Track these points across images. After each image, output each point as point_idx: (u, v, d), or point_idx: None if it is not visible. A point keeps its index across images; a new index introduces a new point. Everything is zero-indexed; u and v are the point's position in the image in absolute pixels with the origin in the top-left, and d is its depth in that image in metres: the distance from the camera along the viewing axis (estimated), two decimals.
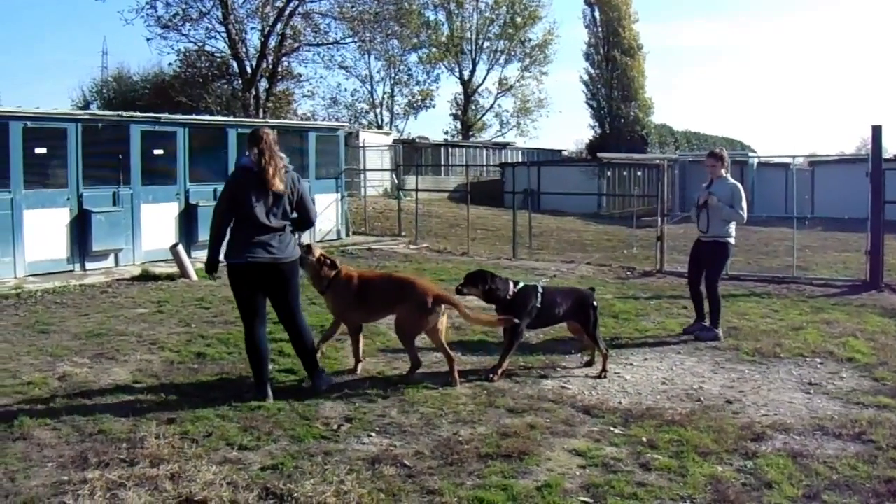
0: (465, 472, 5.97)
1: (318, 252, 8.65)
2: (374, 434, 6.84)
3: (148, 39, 41.65)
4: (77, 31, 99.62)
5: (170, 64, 44.62)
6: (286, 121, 31.82)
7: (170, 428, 6.91)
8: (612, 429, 7.00)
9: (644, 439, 6.70)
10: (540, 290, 8.88)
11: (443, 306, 8.42)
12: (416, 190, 25.59)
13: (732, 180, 10.96)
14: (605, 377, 8.63)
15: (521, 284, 8.96)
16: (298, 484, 5.68)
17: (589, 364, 9.10)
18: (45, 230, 15.20)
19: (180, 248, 15.76)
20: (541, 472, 6.02)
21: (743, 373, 8.92)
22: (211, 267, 7.86)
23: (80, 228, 15.75)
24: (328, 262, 8.58)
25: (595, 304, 9.03)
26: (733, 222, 10.75)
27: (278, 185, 7.62)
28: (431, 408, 7.53)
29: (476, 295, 9.02)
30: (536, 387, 8.28)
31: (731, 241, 10.89)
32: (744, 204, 10.69)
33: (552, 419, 7.21)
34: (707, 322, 10.71)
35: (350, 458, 6.28)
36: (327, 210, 21.68)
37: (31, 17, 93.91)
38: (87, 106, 47.26)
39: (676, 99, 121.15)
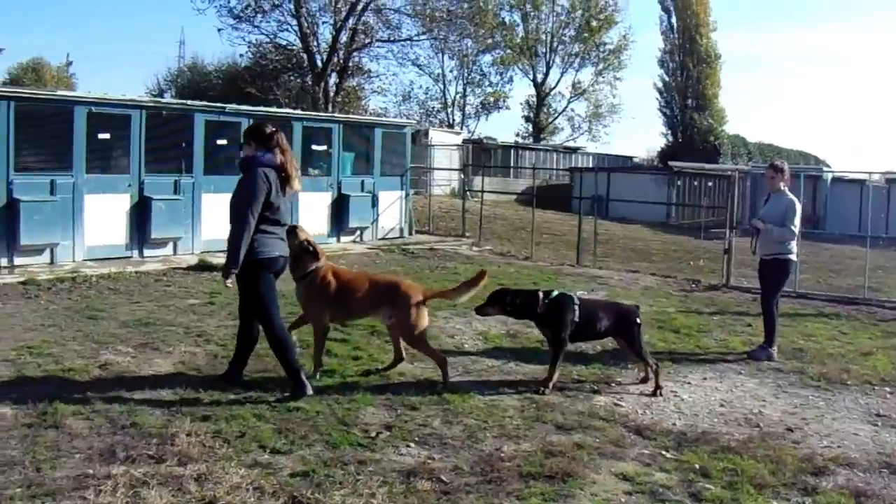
0: (504, 493, 5.64)
1: (302, 235, 8.16)
2: (412, 444, 6.55)
3: (219, 30, 41.72)
4: (158, 20, 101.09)
5: (241, 55, 44.96)
6: (352, 116, 31.67)
7: (203, 425, 6.70)
8: (663, 452, 6.61)
9: (697, 466, 6.31)
10: (576, 301, 8.44)
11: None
12: (483, 191, 25.28)
13: (790, 196, 10.42)
14: (660, 395, 8.22)
15: (554, 293, 8.54)
16: (327, 494, 5.43)
17: (644, 381, 8.67)
18: (105, 216, 15.15)
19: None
20: (584, 496, 5.67)
21: (806, 399, 8.46)
22: (233, 269, 7.46)
23: (140, 215, 15.68)
24: (311, 248, 8.10)
25: (639, 321, 8.55)
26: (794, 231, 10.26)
27: (298, 186, 7.85)
28: (476, 419, 7.21)
29: (502, 314, 8.73)
30: (588, 402, 7.91)
31: (792, 257, 10.42)
32: (796, 220, 10.23)
33: (601, 439, 6.85)
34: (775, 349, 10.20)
35: (385, 469, 5.99)
36: (390, 208, 21.49)
37: (114, 4, 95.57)
38: (160, 94, 47.81)
39: (751, 109, 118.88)
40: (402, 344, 8.55)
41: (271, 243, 7.59)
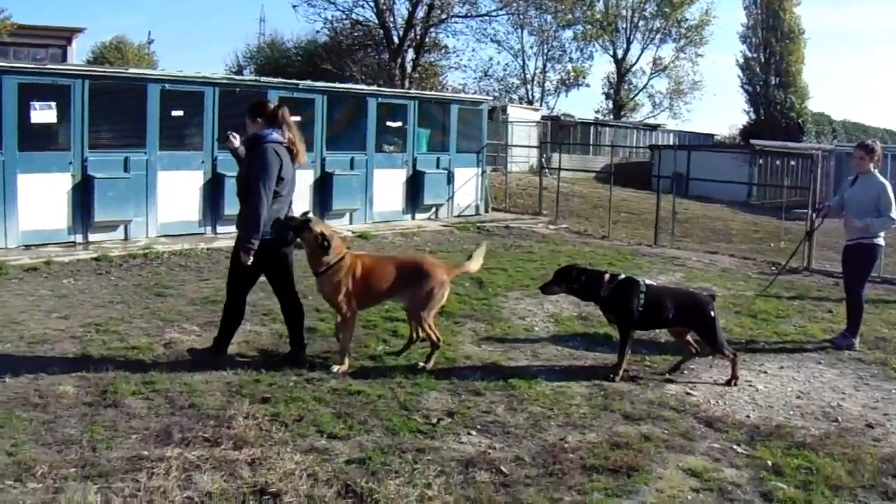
0: (565, 486, 5.41)
1: (317, 229, 7.83)
2: (474, 432, 6.35)
3: (294, 6, 41.89)
4: None
5: (317, 31, 45.00)
6: (427, 92, 31.46)
7: (262, 408, 6.60)
8: (734, 447, 6.31)
9: (769, 463, 6.00)
10: (642, 287, 8.03)
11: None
12: (560, 168, 24.91)
13: (881, 178, 9.78)
14: (735, 385, 7.87)
15: (621, 276, 8.22)
16: (382, 483, 5.27)
17: (675, 369, 8.26)
18: (178, 192, 15.20)
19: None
20: (649, 492, 5.42)
21: (889, 392, 8.00)
22: (253, 246, 7.46)
23: (214, 191, 15.71)
24: (326, 243, 7.71)
25: (713, 313, 8.03)
26: (883, 228, 9.70)
27: (304, 160, 8.00)
28: (542, 407, 6.99)
29: (567, 292, 8.46)
30: (659, 391, 7.62)
31: (879, 241, 9.79)
32: (893, 206, 9.54)
33: (670, 430, 6.57)
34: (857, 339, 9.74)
35: (443, 457, 5.81)
36: (466, 185, 21.26)
37: None
38: (239, 71, 48.15)
39: (836, 86, 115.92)
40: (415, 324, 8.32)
41: (279, 221, 7.70)
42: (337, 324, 8.23)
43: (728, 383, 7.90)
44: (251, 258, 7.45)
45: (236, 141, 7.84)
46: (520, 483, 5.43)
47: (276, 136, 7.53)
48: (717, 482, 5.62)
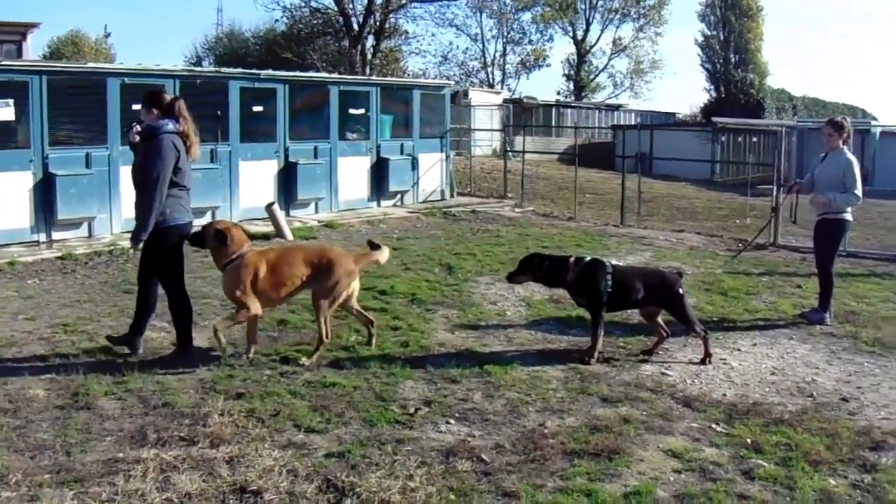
0: (548, 472, 5.39)
1: (218, 225, 7.79)
2: (452, 421, 6.32)
3: None
4: None
5: (276, 20, 44.71)
6: (389, 78, 31.31)
7: (237, 403, 6.53)
8: (713, 426, 6.33)
9: (748, 440, 6.02)
10: (609, 268, 8.02)
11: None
12: (524, 151, 24.88)
13: (849, 155, 9.80)
14: (709, 363, 7.89)
15: (586, 259, 8.20)
16: (363, 477, 5.21)
17: (648, 353, 8.24)
18: None
19: (276, 207, 15.46)
20: (631, 475, 5.41)
21: (861, 365, 8.07)
22: (144, 235, 7.54)
23: None
24: (225, 237, 7.61)
25: (681, 290, 8.05)
26: (849, 204, 9.75)
27: (198, 153, 7.91)
28: (518, 392, 6.97)
29: (533, 280, 8.45)
30: (635, 372, 7.63)
31: (846, 216, 9.83)
32: (858, 183, 9.61)
33: (648, 412, 6.57)
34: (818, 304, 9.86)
35: (423, 448, 5.77)
36: (431, 170, 21.18)
37: None
38: (198, 62, 47.74)
39: (795, 63, 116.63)
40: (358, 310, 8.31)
41: (181, 209, 7.71)
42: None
43: (702, 362, 7.93)
44: (140, 245, 7.58)
45: (138, 136, 7.76)
46: (502, 470, 5.40)
47: (172, 126, 7.54)
48: (699, 462, 5.63)
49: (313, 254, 8.02)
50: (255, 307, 7.63)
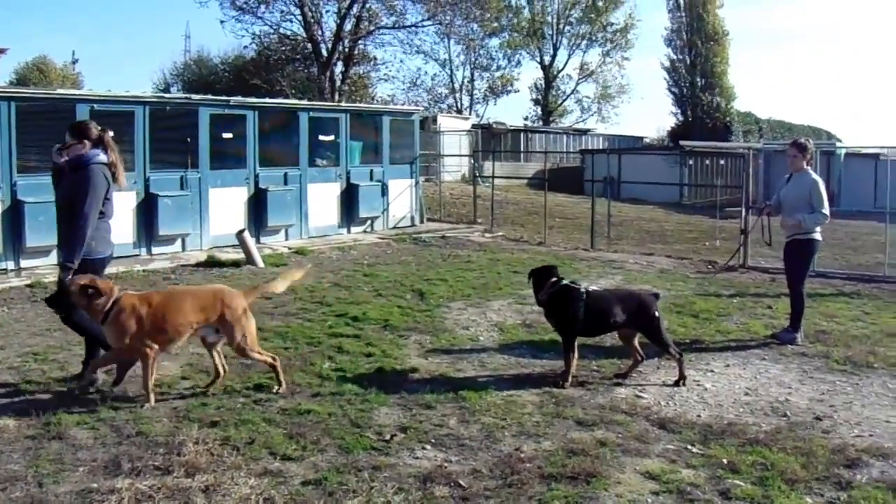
0: (525, 496, 5.38)
1: (81, 281, 7.24)
2: (428, 447, 6.30)
3: (222, 22, 41.17)
4: (162, 16, 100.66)
5: (245, 47, 44.70)
6: (359, 104, 31.37)
7: (212, 432, 6.48)
8: (689, 447, 6.35)
9: (724, 461, 6.04)
10: (582, 295, 8.04)
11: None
12: (493, 176, 24.99)
13: (814, 176, 9.97)
14: (683, 385, 7.94)
15: (562, 282, 8.24)
16: None
17: (623, 376, 8.26)
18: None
19: (247, 234, 15.41)
20: (609, 497, 5.42)
21: (833, 384, 8.16)
22: (74, 266, 7.39)
23: (147, 212, 15.46)
24: (93, 290, 7.21)
25: (657, 312, 8.09)
26: (817, 223, 9.86)
27: (124, 182, 8.00)
28: (494, 417, 6.96)
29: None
30: (609, 395, 7.65)
31: (815, 236, 9.94)
32: (825, 202, 9.76)
33: (624, 434, 6.59)
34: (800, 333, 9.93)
35: (400, 474, 5.74)
36: (401, 196, 21.23)
37: (117, 1, 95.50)
38: (166, 89, 47.62)
39: (761, 86, 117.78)
40: (219, 358, 7.80)
41: (104, 241, 7.77)
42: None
43: (676, 384, 7.96)
44: (70, 275, 7.34)
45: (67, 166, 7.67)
46: (479, 496, 5.39)
47: (102, 157, 7.57)
48: (676, 483, 5.64)
49: (203, 294, 7.79)
50: (152, 350, 7.29)
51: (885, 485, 5.66)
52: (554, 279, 8.24)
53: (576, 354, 8.05)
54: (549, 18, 60.05)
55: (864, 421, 7.06)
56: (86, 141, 7.56)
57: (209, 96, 18.57)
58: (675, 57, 59.58)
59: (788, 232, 10.02)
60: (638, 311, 8.07)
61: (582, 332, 8.16)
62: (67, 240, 7.48)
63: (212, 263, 14.77)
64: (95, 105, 14.74)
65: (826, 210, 9.74)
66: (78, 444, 6.25)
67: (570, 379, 7.89)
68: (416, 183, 22.00)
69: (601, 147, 46.78)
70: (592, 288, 8.50)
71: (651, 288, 11.95)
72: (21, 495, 5.34)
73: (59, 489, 5.44)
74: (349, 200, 19.72)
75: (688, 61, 58.55)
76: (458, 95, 59.45)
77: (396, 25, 42.26)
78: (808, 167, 10.01)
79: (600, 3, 58.72)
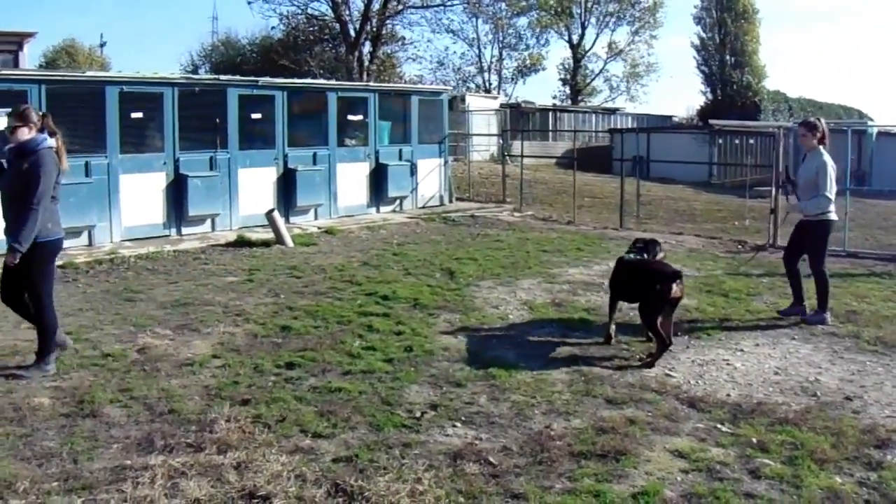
0: (555, 474, 5.40)
1: None
2: (459, 424, 6.32)
3: (249, 3, 41.20)
4: None
5: (272, 28, 44.69)
6: (387, 84, 31.33)
7: (243, 410, 6.52)
8: (719, 426, 6.33)
9: (754, 440, 6.03)
10: (624, 258, 8.85)
11: None
12: (522, 156, 24.91)
13: (824, 157, 9.75)
14: (648, 368, 7.85)
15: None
16: (371, 481, 5.22)
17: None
18: (141, 195, 14.99)
19: (276, 213, 15.45)
20: (638, 475, 5.42)
21: (864, 364, 8.08)
22: (23, 250, 7.39)
23: (177, 193, 15.52)
24: None
25: (659, 288, 8.05)
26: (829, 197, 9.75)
27: (66, 166, 7.89)
28: (524, 395, 6.97)
29: None
30: (638, 374, 7.63)
31: (831, 216, 9.83)
32: (829, 185, 9.61)
33: (654, 413, 6.58)
34: (806, 304, 9.94)
35: (431, 451, 5.77)
36: (429, 176, 21.20)
37: None
38: (194, 71, 47.73)
39: (792, 65, 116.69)
40: None
41: (56, 223, 7.75)
42: None
43: (643, 363, 7.99)
44: (17, 260, 7.36)
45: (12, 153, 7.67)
46: (510, 473, 5.40)
47: (51, 142, 7.57)
48: (705, 462, 5.63)
49: None
50: None
51: None
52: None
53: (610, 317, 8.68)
54: None
55: (894, 401, 7.00)
56: (31, 125, 7.52)
57: (237, 77, 18.57)
58: (704, 35, 59.08)
59: (796, 214, 9.97)
60: (644, 283, 8.23)
61: (615, 296, 8.69)
62: (17, 224, 7.41)
63: (242, 243, 14.82)
64: (125, 87, 14.81)
65: (829, 193, 9.61)
66: (111, 422, 6.31)
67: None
68: (445, 162, 21.94)
69: (630, 126, 46.48)
70: (630, 256, 8.88)
71: (679, 267, 11.93)
72: (56, 471, 5.40)
73: (94, 465, 5.50)
74: (378, 180, 19.71)
75: (717, 40, 58.05)
76: (486, 75, 59.26)
77: (425, 5, 42.15)
78: (821, 147, 9.85)
79: None
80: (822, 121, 10.18)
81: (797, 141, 30.45)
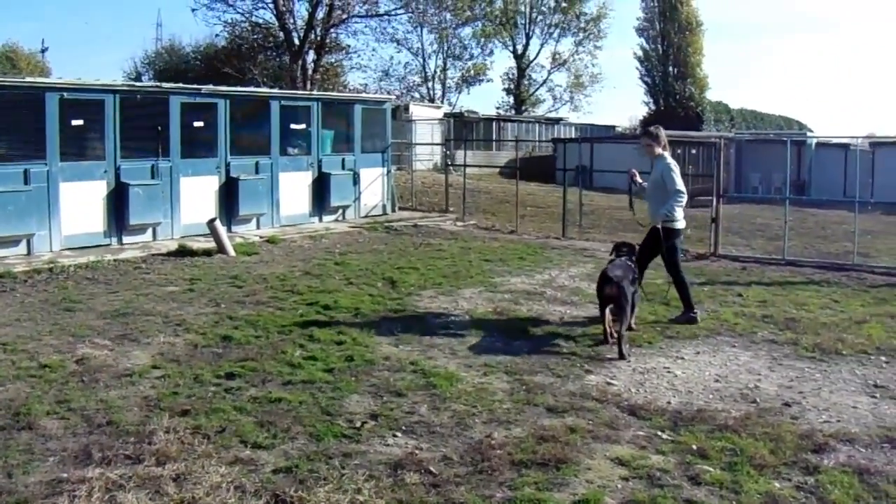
0: (496, 483, 5.43)
1: None
2: (399, 434, 6.33)
3: (193, 10, 41.16)
4: (134, 3, 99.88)
5: (216, 35, 44.50)
6: (331, 93, 31.28)
7: (182, 421, 6.48)
8: (659, 433, 6.42)
9: (694, 447, 6.11)
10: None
11: None
12: (465, 165, 25.01)
13: (668, 160, 10.18)
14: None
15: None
16: (311, 492, 5.22)
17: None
18: (82, 203, 14.80)
19: (218, 223, 15.35)
20: (579, 483, 5.47)
21: (802, 371, 8.25)
22: None
23: (118, 202, 15.34)
24: None
25: (607, 290, 8.80)
26: (676, 205, 10.03)
27: None
28: (465, 404, 7.00)
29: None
30: (580, 382, 7.71)
31: (676, 225, 10.19)
32: (677, 180, 9.97)
33: (595, 421, 6.65)
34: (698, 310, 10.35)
35: (371, 461, 5.77)
36: (372, 185, 21.19)
37: None
38: (137, 78, 47.31)
39: (733, 76, 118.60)
40: None
41: None
42: None
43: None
44: None
45: None
46: (450, 482, 5.43)
47: None
48: (646, 469, 5.70)
49: None
50: None
51: (851, 469, 5.75)
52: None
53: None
54: (521, 7, 60.14)
55: (831, 407, 7.16)
56: None
57: (180, 85, 18.44)
58: (648, 47, 59.99)
59: (655, 219, 10.26)
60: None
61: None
62: None
63: (183, 252, 14.70)
64: (65, 93, 14.60)
65: (679, 186, 9.96)
66: (48, 434, 6.23)
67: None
68: (388, 172, 21.95)
69: (573, 136, 46.86)
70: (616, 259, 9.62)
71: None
72: None
73: (29, 479, 5.42)
74: (321, 189, 19.65)
75: (661, 51, 58.93)
76: (430, 84, 59.48)
77: (369, 14, 42.23)
78: (665, 153, 10.14)
79: None
80: (662, 129, 10.49)
81: (738, 151, 30.89)
